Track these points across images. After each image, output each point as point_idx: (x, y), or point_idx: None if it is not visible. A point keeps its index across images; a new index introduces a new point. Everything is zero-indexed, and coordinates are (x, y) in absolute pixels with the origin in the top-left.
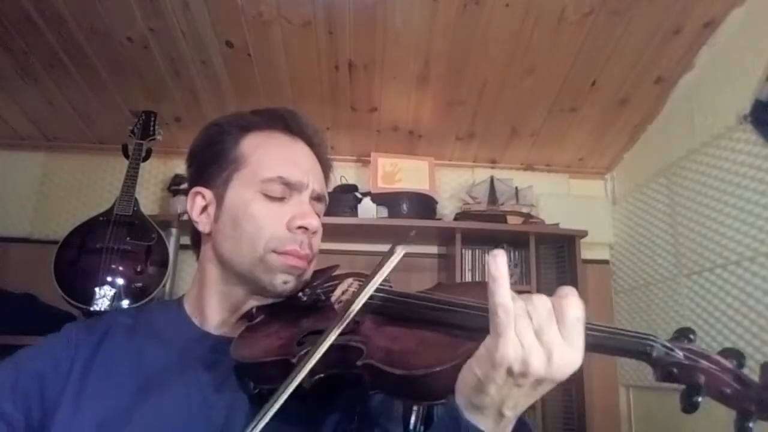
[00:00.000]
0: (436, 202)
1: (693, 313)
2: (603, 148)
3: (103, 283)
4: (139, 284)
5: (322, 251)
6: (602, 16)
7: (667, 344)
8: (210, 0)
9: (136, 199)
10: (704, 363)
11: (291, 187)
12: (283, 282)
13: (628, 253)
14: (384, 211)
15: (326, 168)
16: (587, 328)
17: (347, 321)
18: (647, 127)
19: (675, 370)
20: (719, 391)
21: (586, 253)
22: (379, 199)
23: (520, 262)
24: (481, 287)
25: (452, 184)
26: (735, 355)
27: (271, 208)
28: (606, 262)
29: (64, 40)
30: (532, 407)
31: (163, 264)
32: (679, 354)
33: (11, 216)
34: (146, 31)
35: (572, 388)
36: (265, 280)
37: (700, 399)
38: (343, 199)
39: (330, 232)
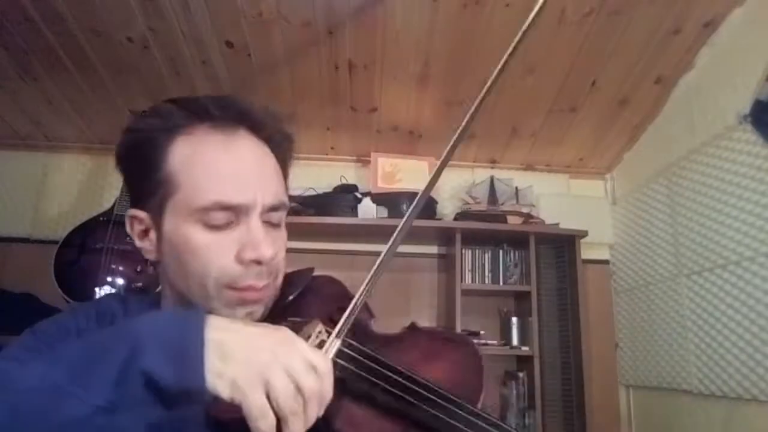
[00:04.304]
0: (436, 202)
1: (693, 313)
2: (603, 148)
3: (103, 283)
4: (139, 284)
5: (321, 251)
6: (602, 16)
7: None
8: (210, 0)
9: None
10: None
11: (234, 210)
12: (246, 314)
13: (628, 253)
14: (384, 211)
15: (283, 149)
16: None
17: None
18: (647, 127)
19: None
20: None
21: (586, 253)
22: (379, 199)
23: (520, 262)
24: (455, 351)
25: (452, 184)
26: None
27: (215, 239)
28: (606, 262)
29: (64, 40)
30: (532, 407)
31: None
32: None
33: (11, 216)
34: (146, 31)
35: (572, 388)
36: (227, 315)
37: None
38: (343, 199)
39: (330, 232)
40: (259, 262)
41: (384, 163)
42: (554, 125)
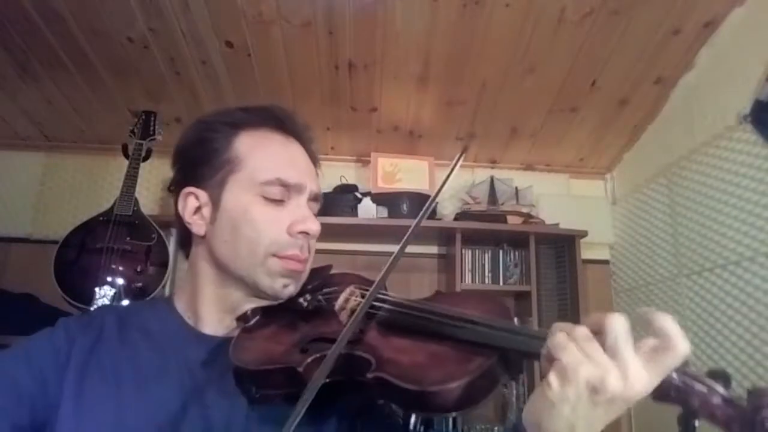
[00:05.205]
0: (436, 203)
1: (693, 313)
2: (603, 148)
3: (104, 283)
4: (140, 284)
5: (321, 251)
6: (602, 16)
7: None
8: (210, 0)
9: (136, 199)
10: (698, 386)
11: (290, 189)
12: (283, 286)
13: (628, 253)
14: (384, 211)
15: (316, 165)
16: None
17: (353, 330)
18: (647, 127)
19: (672, 393)
20: (710, 414)
21: (586, 253)
22: (379, 199)
23: (520, 262)
24: (482, 299)
25: (452, 184)
26: (722, 376)
27: (270, 212)
28: (606, 262)
29: (64, 40)
30: None
31: (164, 264)
32: (675, 377)
33: (11, 216)
34: (146, 31)
35: None
36: (266, 284)
37: (697, 423)
38: (343, 199)
39: (330, 232)
40: (306, 234)
41: (384, 163)
42: (554, 125)
